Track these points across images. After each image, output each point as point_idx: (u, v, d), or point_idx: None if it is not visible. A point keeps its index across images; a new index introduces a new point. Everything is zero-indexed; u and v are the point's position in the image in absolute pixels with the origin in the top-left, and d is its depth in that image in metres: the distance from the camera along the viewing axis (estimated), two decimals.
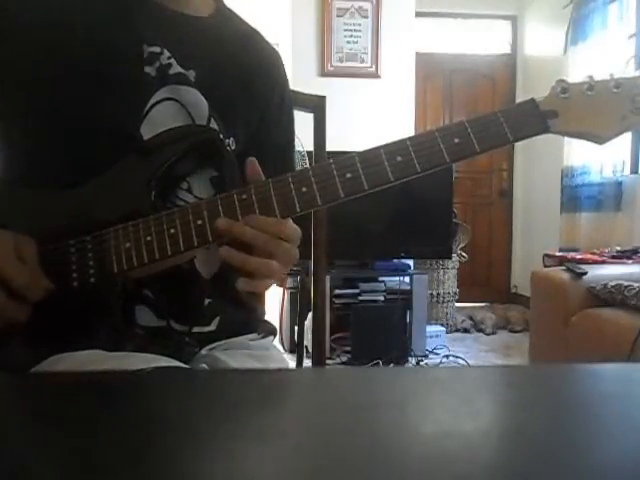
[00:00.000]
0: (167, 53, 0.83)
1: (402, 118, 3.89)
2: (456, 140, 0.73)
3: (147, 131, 0.80)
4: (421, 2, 4.06)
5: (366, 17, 3.86)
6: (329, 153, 1.24)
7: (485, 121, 0.75)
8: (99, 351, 0.74)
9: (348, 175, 0.73)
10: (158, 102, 0.82)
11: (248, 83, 0.91)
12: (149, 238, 0.73)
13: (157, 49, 0.82)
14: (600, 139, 0.77)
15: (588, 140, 0.78)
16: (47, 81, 0.80)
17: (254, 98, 0.91)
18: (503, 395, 0.49)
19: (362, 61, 3.88)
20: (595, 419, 0.42)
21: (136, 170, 0.78)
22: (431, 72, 5.06)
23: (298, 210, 0.73)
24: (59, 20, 0.80)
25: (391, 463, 0.33)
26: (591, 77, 0.77)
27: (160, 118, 0.81)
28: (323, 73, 3.83)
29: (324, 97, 1.20)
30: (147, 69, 0.81)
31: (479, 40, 5.26)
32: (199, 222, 0.72)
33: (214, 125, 0.85)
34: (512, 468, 0.34)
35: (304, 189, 0.73)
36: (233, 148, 0.87)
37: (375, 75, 3.88)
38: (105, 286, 0.75)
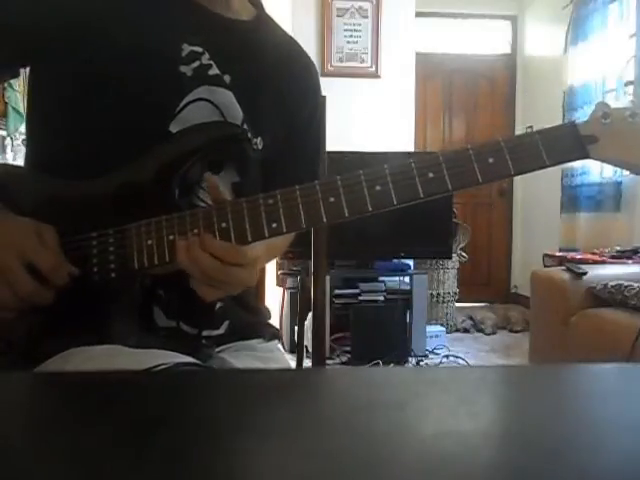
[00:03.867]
0: (208, 54, 0.82)
1: (402, 118, 3.90)
2: (490, 160, 0.71)
3: (176, 129, 0.80)
4: (421, 2, 4.06)
5: (366, 17, 3.86)
6: (329, 153, 1.24)
7: (522, 142, 0.71)
8: (117, 346, 0.73)
9: (377, 188, 0.70)
10: (192, 102, 0.81)
11: (281, 90, 0.91)
12: (172, 237, 0.72)
13: (199, 49, 0.82)
14: None
15: (627, 169, 0.75)
16: (80, 76, 0.80)
17: (286, 106, 0.92)
18: (503, 395, 0.49)
19: (362, 61, 3.88)
20: (595, 419, 0.42)
21: (160, 165, 0.77)
22: (431, 72, 5.06)
23: (324, 221, 0.70)
24: (98, 18, 0.79)
25: (391, 463, 0.33)
26: (634, 102, 0.75)
27: (192, 117, 0.80)
28: (323, 73, 3.83)
29: (324, 97, 1.20)
30: (183, 68, 0.81)
31: (479, 40, 5.26)
32: (223, 225, 0.71)
33: (246, 127, 0.84)
34: (512, 468, 0.34)
35: (332, 199, 0.70)
36: (260, 148, 0.87)
37: (375, 75, 3.88)
38: (125, 281, 0.75)
